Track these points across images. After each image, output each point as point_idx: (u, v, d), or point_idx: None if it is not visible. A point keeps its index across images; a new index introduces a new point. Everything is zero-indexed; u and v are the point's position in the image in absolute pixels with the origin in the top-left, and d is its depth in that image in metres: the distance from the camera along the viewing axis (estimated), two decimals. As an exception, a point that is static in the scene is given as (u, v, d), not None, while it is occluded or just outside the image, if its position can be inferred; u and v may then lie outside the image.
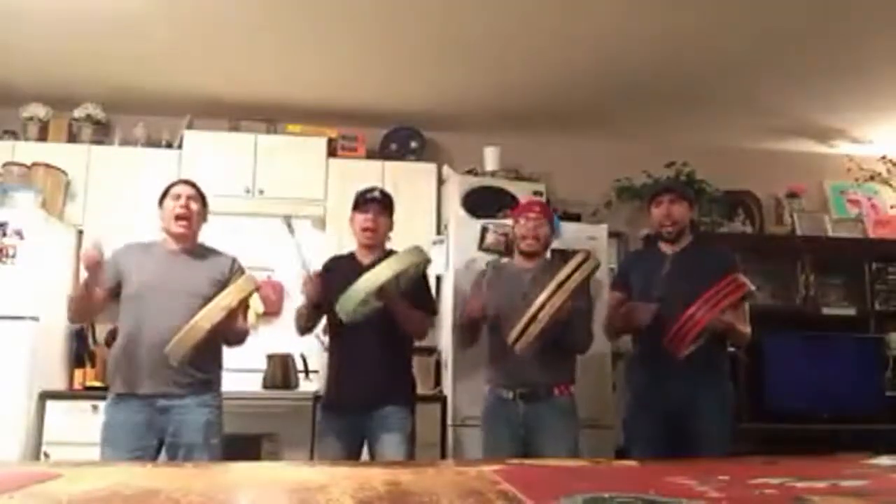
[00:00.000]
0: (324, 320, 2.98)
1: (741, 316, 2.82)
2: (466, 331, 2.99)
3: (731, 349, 3.64)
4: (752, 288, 2.72)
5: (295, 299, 3.11)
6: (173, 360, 2.47)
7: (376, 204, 2.89)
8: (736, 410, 3.01)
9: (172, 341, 2.42)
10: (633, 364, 3.06)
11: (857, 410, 4.11)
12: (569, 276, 2.57)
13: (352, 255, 2.97)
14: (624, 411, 3.03)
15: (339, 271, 2.88)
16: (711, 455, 2.62)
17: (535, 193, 4.21)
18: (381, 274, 2.53)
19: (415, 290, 2.81)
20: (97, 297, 2.65)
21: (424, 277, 2.93)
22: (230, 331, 2.66)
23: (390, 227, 2.95)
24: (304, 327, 2.97)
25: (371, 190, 2.95)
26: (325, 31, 3.49)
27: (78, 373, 3.83)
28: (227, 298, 2.48)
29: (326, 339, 3.10)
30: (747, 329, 2.86)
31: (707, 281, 2.66)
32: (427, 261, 2.77)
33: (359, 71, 3.93)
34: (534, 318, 2.54)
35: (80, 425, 3.31)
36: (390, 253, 2.92)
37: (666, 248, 2.98)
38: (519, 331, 2.57)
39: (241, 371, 3.41)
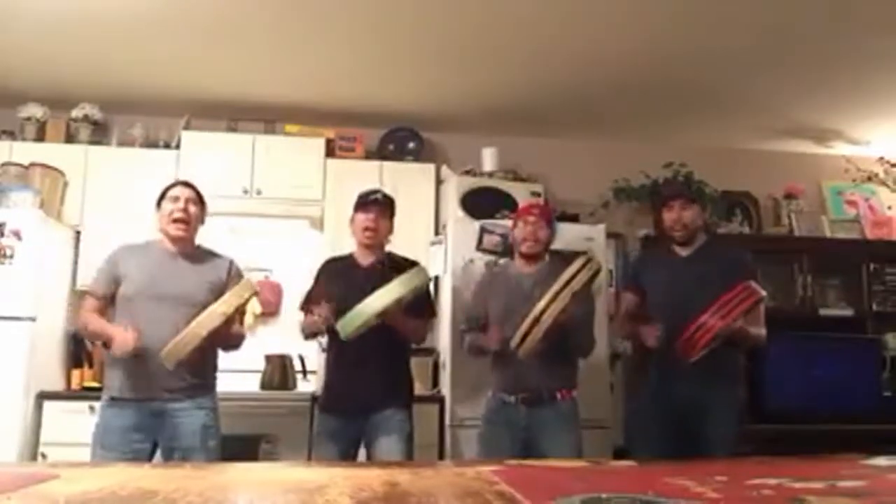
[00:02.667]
0: None
1: (756, 319, 2.80)
2: (480, 355, 2.98)
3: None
4: (764, 294, 2.70)
5: (293, 300, 3.10)
6: (168, 365, 2.46)
7: (378, 205, 2.89)
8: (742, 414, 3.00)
9: (168, 346, 2.41)
10: (643, 365, 3.04)
11: (855, 411, 4.11)
12: (571, 279, 2.58)
13: (350, 257, 2.96)
14: (624, 410, 3.04)
15: (338, 273, 2.88)
16: (715, 457, 2.62)
17: (533, 194, 4.21)
18: (383, 299, 2.54)
19: (416, 300, 2.78)
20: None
21: (426, 289, 2.92)
22: (226, 336, 2.64)
23: (390, 230, 2.95)
24: (310, 336, 2.99)
25: (373, 192, 2.95)
26: (323, 32, 3.49)
27: (75, 373, 3.83)
28: (224, 305, 2.46)
29: (324, 341, 3.10)
30: (762, 332, 2.85)
31: (721, 284, 2.65)
32: (429, 280, 2.79)
33: (357, 71, 3.92)
34: (536, 321, 2.54)
35: (77, 426, 3.29)
36: (389, 256, 2.92)
37: (679, 250, 2.97)
38: (522, 334, 2.57)
39: (239, 372, 3.41)
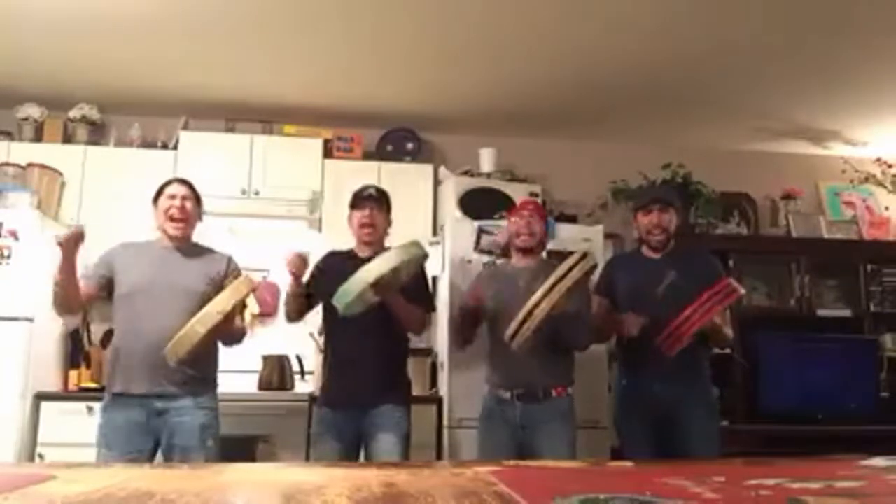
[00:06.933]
0: (319, 314, 2.97)
1: (725, 319, 2.90)
2: (462, 324, 2.99)
3: (726, 351, 3.69)
4: (743, 291, 2.78)
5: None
6: (171, 362, 2.46)
7: (372, 200, 2.91)
8: (721, 411, 3.09)
9: (169, 345, 2.42)
10: (618, 367, 3.11)
11: (852, 412, 4.13)
12: (566, 274, 2.58)
13: (350, 251, 2.97)
14: (614, 412, 3.09)
15: (338, 266, 2.88)
16: (704, 454, 2.68)
17: (531, 195, 4.21)
18: (379, 266, 2.52)
19: (413, 286, 2.80)
20: (78, 287, 2.62)
21: (423, 274, 2.94)
22: (227, 332, 2.65)
23: (388, 224, 2.96)
24: (291, 312, 2.92)
25: (367, 188, 2.97)
26: (321, 32, 3.49)
27: (73, 374, 3.82)
28: (222, 304, 2.46)
29: (322, 340, 3.09)
30: (731, 331, 2.96)
31: (694, 284, 2.72)
32: (425, 255, 2.75)
33: (355, 72, 3.93)
34: (530, 314, 2.55)
35: (74, 427, 3.30)
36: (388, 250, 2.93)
37: (651, 253, 3.03)
38: (515, 327, 2.58)
39: (237, 372, 3.40)
